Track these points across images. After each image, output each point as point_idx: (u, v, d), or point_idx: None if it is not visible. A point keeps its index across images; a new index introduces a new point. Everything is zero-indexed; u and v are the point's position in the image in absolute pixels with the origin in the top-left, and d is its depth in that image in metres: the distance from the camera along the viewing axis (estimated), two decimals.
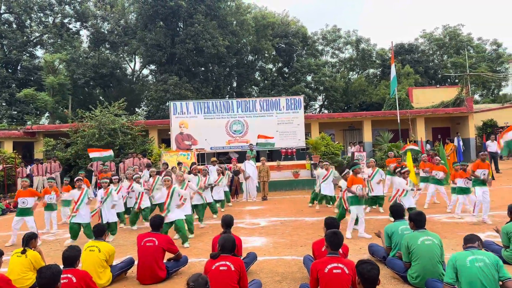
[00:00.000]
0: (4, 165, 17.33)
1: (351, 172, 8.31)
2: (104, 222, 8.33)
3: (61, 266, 4.17)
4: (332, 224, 5.18)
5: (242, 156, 16.98)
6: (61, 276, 4.12)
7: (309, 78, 36.33)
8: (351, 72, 40.22)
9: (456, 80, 33.51)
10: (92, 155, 15.56)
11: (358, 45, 37.58)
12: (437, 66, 38.61)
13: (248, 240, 7.76)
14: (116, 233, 8.82)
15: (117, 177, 9.86)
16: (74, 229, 8.22)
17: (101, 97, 33.29)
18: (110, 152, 15.85)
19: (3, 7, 30.90)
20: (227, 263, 4.45)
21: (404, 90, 27.94)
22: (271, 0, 60.10)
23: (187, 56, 28.47)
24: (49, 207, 9.66)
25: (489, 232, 7.67)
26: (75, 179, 8.76)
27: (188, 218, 8.27)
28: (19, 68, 31.49)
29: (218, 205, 11.32)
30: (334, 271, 4.26)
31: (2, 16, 31.24)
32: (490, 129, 22.24)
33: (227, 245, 4.57)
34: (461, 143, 19.79)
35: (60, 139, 19.23)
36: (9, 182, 17.43)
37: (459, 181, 9.31)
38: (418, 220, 5.25)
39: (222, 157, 20.95)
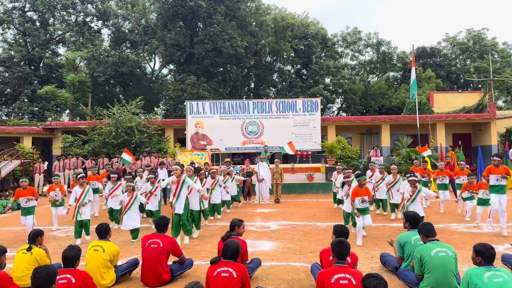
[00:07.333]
0: (22, 160, 17.62)
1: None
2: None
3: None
4: (341, 232, 4.99)
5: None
6: (60, 276, 4.06)
7: (327, 80, 35.81)
8: (370, 75, 39.52)
9: (479, 86, 32.57)
10: (125, 156, 14.74)
11: (379, 47, 36.93)
12: (459, 70, 37.62)
13: (257, 244, 7.61)
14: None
15: (115, 176, 9.86)
16: (77, 228, 8.24)
17: (120, 95, 33.60)
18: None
19: (27, 5, 31.57)
20: (229, 269, 4.30)
21: (425, 94, 27.29)
22: (291, 1, 59.80)
23: (206, 56, 28.48)
24: (55, 203, 9.76)
25: (509, 244, 7.34)
26: (78, 177, 8.73)
27: (195, 214, 8.38)
28: (41, 65, 32.09)
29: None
30: (341, 281, 4.07)
31: (26, 14, 31.90)
32: None
33: (230, 252, 4.41)
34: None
35: (77, 136, 19.50)
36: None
37: (480, 192, 8.98)
38: (428, 231, 5.01)
39: (237, 158, 20.90)
